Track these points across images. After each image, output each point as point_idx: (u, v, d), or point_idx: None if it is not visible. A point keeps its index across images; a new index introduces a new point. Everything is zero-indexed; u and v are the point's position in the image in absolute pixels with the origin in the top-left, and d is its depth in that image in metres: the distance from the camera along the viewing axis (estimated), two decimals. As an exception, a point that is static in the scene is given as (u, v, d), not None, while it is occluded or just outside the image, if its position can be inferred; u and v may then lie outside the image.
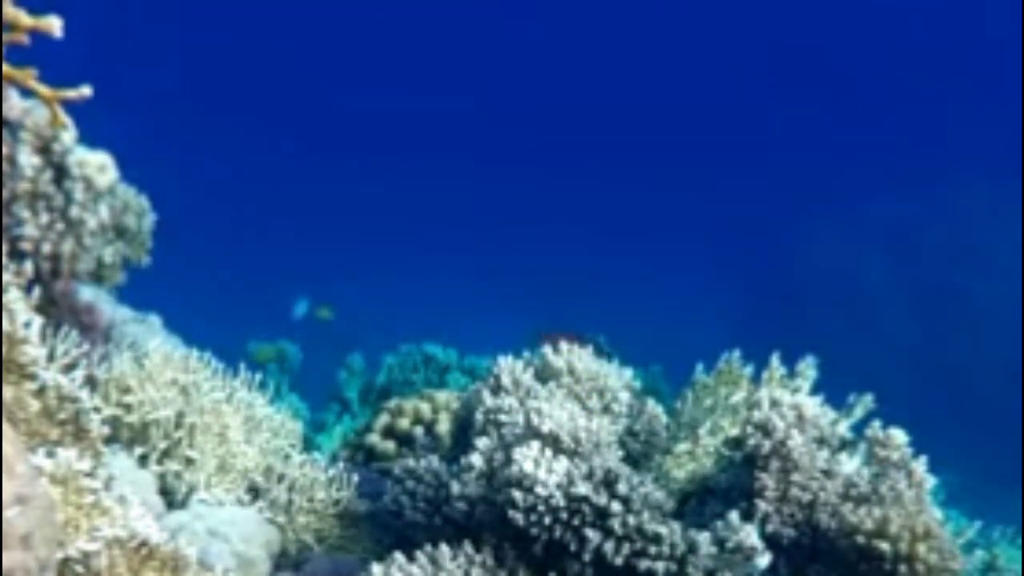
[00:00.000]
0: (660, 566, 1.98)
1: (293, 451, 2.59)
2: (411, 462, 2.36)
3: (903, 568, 1.99)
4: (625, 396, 2.49)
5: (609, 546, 1.99)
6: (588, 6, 22.22)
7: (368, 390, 5.76)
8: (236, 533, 2.18)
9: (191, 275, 11.95)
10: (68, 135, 2.35)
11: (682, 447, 2.47)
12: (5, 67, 1.89)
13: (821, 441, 2.22)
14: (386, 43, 23.26)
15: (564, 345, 2.54)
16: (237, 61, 21.16)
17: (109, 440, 2.05)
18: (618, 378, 2.52)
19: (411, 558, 2.01)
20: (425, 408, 3.11)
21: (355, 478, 2.57)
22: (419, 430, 3.02)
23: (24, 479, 1.14)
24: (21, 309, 1.67)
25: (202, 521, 2.17)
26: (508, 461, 2.07)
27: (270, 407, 2.61)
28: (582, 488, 2.00)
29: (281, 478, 2.47)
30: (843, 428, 2.33)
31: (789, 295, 14.30)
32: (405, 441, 3.04)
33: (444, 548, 2.03)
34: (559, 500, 2.00)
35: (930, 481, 2.23)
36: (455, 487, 2.18)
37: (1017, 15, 16.18)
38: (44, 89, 1.97)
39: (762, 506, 2.15)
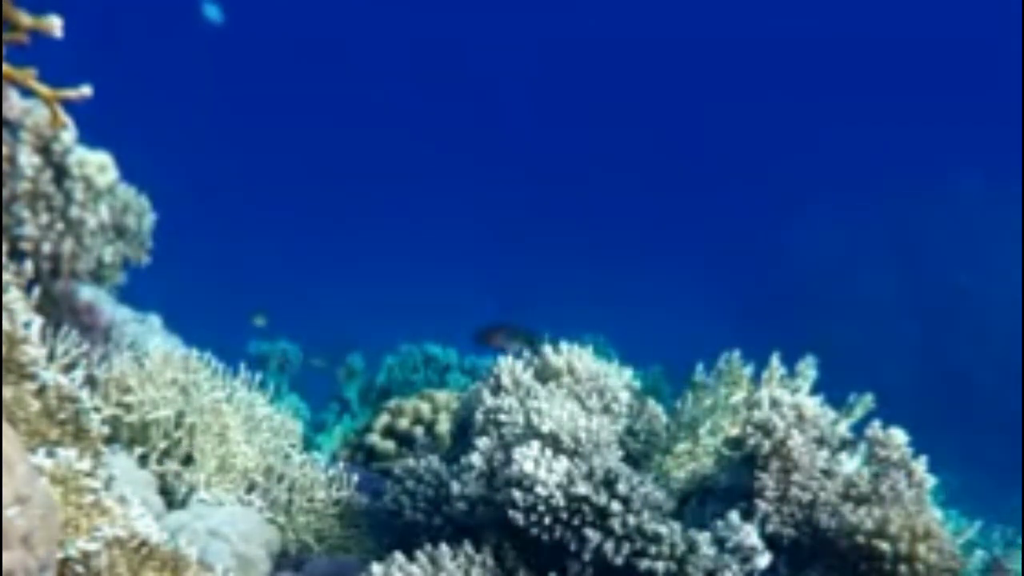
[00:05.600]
0: (660, 566, 1.98)
1: (293, 451, 2.59)
2: (411, 462, 2.36)
3: (903, 568, 1.99)
4: (625, 396, 2.49)
5: (609, 546, 1.99)
6: (577, 9, 22.23)
7: (368, 390, 5.75)
8: (236, 533, 2.18)
9: (191, 275, 11.95)
10: (68, 135, 2.35)
11: (682, 447, 2.47)
12: (5, 67, 1.89)
13: (821, 441, 2.22)
14: (383, 44, 23.25)
15: (564, 345, 2.53)
16: (236, 59, 21.15)
17: (109, 440, 2.05)
18: (618, 378, 2.52)
19: (411, 558, 2.01)
20: (425, 408, 3.11)
21: (355, 478, 2.57)
22: (419, 430, 3.02)
23: (24, 479, 1.13)
24: (21, 309, 1.67)
25: (202, 521, 2.17)
26: (508, 461, 2.07)
27: (270, 407, 2.61)
28: (582, 488, 2.00)
29: (281, 478, 2.47)
30: (843, 428, 2.33)
31: (789, 295, 14.30)
32: (405, 441, 3.04)
33: (444, 548, 2.03)
34: (559, 500, 2.00)
35: (930, 481, 2.23)
36: (455, 487, 2.18)
37: (1017, 15, 16.18)
38: (44, 89, 1.97)
39: (762, 506, 2.15)
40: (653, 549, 1.99)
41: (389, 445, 3.07)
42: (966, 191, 14.31)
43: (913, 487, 2.19)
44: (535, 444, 2.06)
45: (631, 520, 1.99)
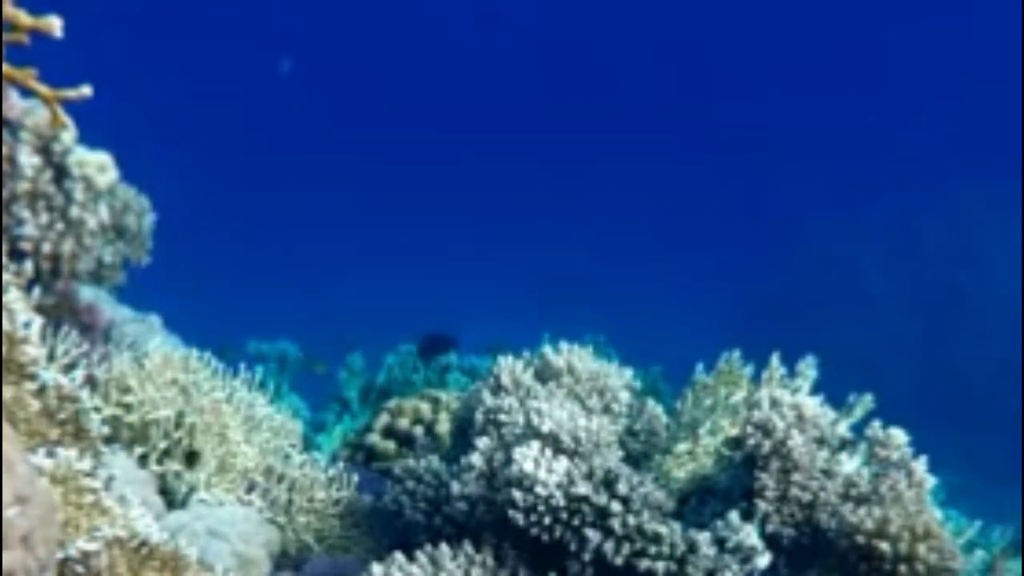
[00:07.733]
0: (660, 566, 1.98)
1: (293, 451, 2.59)
2: (411, 462, 2.36)
3: (903, 568, 1.99)
4: (625, 396, 2.49)
5: (609, 546, 1.99)
6: (579, 8, 22.27)
7: (368, 390, 5.75)
8: (236, 533, 2.18)
9: (191, 275, 11.94)
10: (68, 135, 2.35)
11: (682, 447, 2.47)
12: (5, 67, 1.89)
13: (821, 441, 2.22)
14: (385, 37, 23.25)
15: (564, 345, 2.54)
16: (236, 60, 21.14)
17: (109, 440, 2.05)
18: (618, 378, 2.52)
19: (411, 558, 2.01)
20: (425, 408, 3.11)
21: (355, 478, 2.56)
22: (419, 430, 3.02)
23: (24, 479, 1.13)
24: (21, 309, 1.67)
25: (202, 521, 2.17)
26: (508, 461, 2.07)
27: (270, 407, 2.61)
28: (582, 488, 2.00)
29: (281, 478, 2.47)
30: (843, 428, 2.32)
31: (789, 295, 14.30)
32: (405, 441, 3.03)
33: (444, 548, 2.03)
34: (559, 500, 2.00)
35: (930, 481, 2.23)
36: (455, 487, 2.17)
37: (1017, 15, 16.19)
38: (44, 89, 1.97)
39: (762, 506, 2.15)
40: (653, 549, 1.99)
41: (389, 445, 3.07)
42: (966, 192, 14.31)
43: (913, 487, 2.19)
44: (535, 444, 2.06)
45: (631, 520, 1.99)
